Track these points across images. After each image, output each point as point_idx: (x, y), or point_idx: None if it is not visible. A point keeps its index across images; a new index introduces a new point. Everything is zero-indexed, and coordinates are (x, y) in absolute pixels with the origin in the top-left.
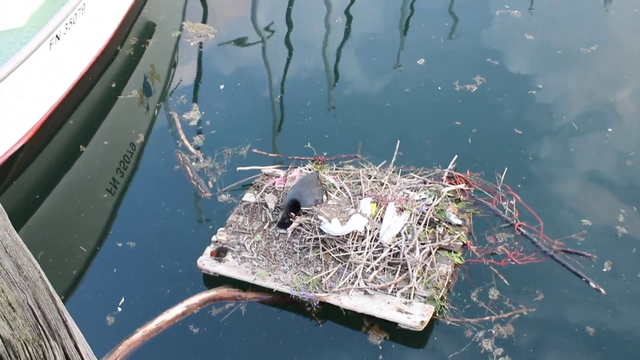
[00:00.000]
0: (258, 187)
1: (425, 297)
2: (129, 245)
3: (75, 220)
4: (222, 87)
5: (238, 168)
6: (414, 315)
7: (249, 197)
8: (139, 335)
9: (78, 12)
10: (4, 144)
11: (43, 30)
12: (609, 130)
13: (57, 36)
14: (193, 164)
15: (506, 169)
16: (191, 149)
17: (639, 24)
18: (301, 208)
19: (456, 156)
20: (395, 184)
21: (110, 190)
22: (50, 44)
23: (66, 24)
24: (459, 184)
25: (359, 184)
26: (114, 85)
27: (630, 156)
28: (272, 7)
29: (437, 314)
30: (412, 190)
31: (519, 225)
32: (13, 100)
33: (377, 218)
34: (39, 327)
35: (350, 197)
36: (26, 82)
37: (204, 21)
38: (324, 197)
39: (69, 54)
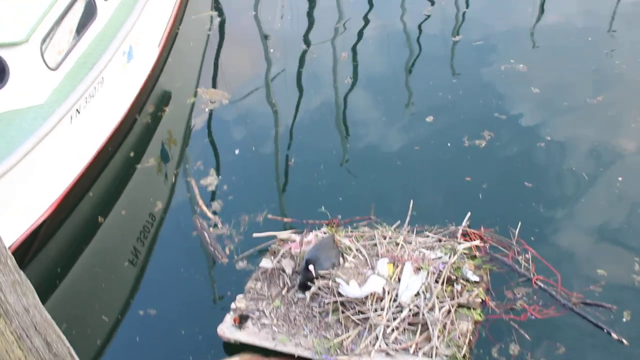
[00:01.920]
0: (275, 252)
1: (447, 356)
2: (150, 313)
3: (97, 291)
4: (237, 152)
5: (254, 234)
6: None
7: (266, 262)
8: None
9: (97, 86)
10: (28, 219)
11: (64, 105)
12: (619, 179)
13: (77, 110)
14: (211, 229)
15: (520, 223)
16: (209, 214)
17: None
18: (319, 271)
19: (469, 213)
20: (410, 243)
21: (130, 260)
22: (71, 118)
23: (86, 97)
24: (474, 240)
25: (375, 245)
26: (132, 154)
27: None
28: (284, 70)
29: None
30: (428, 249)
31: (537, 279)
32: (36, 175)
33: (394, 278)
34: None
35: (366, 259)
36: (48, 156)
37: (218, 87)
38: (341, 259)
39: (89, 127)
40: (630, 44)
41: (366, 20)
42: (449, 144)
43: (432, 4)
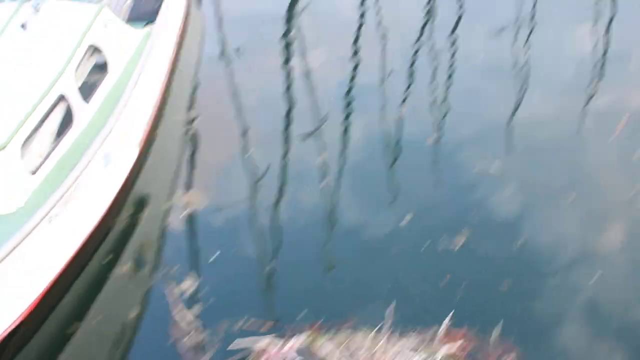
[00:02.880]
0: None
1: None
2: None
3: None
4: (215, 255)
5: (234, 342)
6: None
7: None
8: None
9: (75, 190)
10: None
11: (41, 210)
12: (596, 277)
13: (54, 215)
14: (189, 336)
15: (501, 321)
16: (187, 320)
17: (613, 170)
18: None
19: (451, 313)
20: (393, 346)
21: None
22: (48, 223)
23: (63, 202)
24: (457, 341)
25: (357, 350)
26: (108, 259)
27: (619, 302)
28: (263, 171)
29: None
30: (411, 350)
31: None
32: (8, 282)
33: None
34: None
35: None
36: (22, 263)
37: (197, 189)
38: None
39: (65, 231)
40: (601, 141)
41: (342, 123)
42: (426, 244)
43: (405, 104)
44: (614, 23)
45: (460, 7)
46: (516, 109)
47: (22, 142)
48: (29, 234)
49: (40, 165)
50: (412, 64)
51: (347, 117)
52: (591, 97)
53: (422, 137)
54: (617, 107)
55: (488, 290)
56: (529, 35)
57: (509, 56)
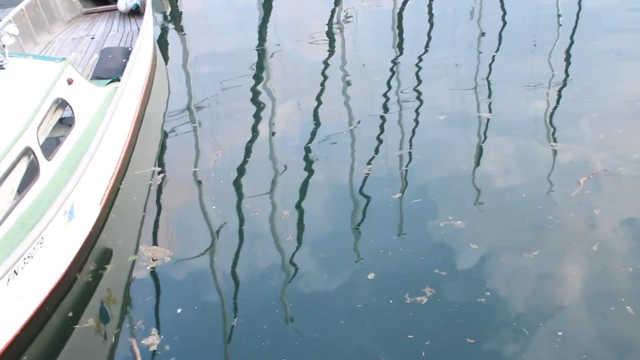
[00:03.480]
0: None
1: None
2: None
3: None
4: (179, 311)
5: None
6: None
7: None
8: None
9: (36, 246)
10: None
11: (0, 268)
12: (559, 334)
13: (15, 272)
14: None
15: None
16: None
17: (576, 224)
18: None
19: None
20: None
21: None
22: (8, 280)
23: (24, 259)
24: None
25: None
26: (70, 314)
27: (583, 359)
28: (225, 226)
29: None
30: None
31: None
32: None
33: None
34: None
35: None
36: None
37: (160, 244)
38: None
39: (26, 288)
40: (563, 198)
41: (306, 177)
42: (390, 301)
43: (370, 163)
44: (574, 81)
45: (421, 59)
46: (481, 165)
47: None
48: None
49: (2, 221)
50: (378, 118)
51: (311, 171)
52: (554, 153)
53: (386, 194)
54: (578, 163)
55: (450, 349)
56: (489, 92)
57: (474, 112)
